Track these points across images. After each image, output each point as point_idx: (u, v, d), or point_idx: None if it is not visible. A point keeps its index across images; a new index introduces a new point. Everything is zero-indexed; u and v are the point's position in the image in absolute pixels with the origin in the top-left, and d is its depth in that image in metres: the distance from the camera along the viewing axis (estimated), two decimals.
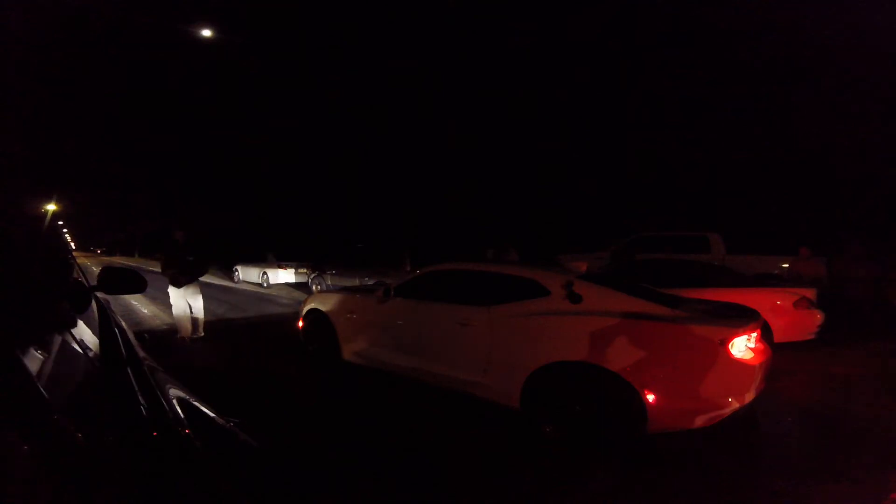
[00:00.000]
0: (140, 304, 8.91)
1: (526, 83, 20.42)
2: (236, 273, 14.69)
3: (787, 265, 7.75)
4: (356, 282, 9.94)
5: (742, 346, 2.73)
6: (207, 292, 10.67)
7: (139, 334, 2.33)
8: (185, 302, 5.65)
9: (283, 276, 13.13)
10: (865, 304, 6.37)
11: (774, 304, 5.20)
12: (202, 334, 5.91)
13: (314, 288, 11.30)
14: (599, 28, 18.98)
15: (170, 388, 1.23)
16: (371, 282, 9.48)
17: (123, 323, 2.20)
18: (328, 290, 6.98)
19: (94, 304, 1.93)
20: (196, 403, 1.19)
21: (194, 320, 5.80)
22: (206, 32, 9.68)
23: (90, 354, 1.32)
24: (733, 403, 2.69)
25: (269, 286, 13.05)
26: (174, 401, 1.13)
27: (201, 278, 5.85)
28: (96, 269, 11.83)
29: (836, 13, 12.80)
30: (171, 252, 5.60)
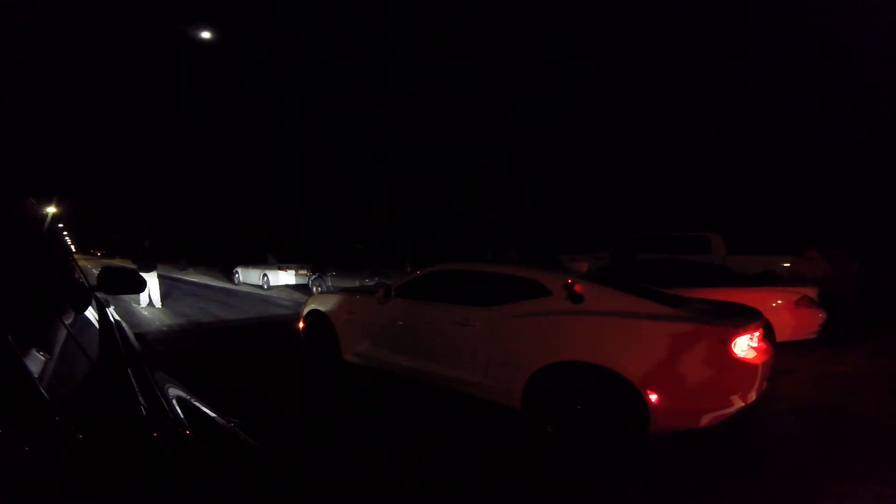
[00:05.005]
0: (140, 305, 8.92)
1: (526, 83, 20.45)
2: (236, 275, 14.67)
3: (787, 265, 7.75)
4: (356, 283, 9.94)
5: (745, 346, 2.72)
6: (208, 294, 11.36)
7: (139, 334, 2.33)
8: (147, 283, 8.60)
9: (284, 277, 13.11)
10: (846, 299, 6.41)
11: (776, 303, 5.19)
12: (159, 305, 9.16)
13: (314, 289, 11.29)
14: (600, 28, 19.00)
15: (170, 388, 1.22)
16: (371, 282, 9.48)
17: (123, 323, 2.20)
18: (328, 291, 6.98)
19: (94, 304, 1.92)
20: (196, 403, 1.18)
21: (153, 297, 9.26)
22: (206, 34, 9.70)
23: (90, 354, 1.31)
24: (736, 403, 2.68)
25: (270, 288, 13.03)
26: (174, 401, 1.13)
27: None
28: (96, 271, 11.86)
29: (835, 13, 12.82)
30: (139, 251, 9.11)
